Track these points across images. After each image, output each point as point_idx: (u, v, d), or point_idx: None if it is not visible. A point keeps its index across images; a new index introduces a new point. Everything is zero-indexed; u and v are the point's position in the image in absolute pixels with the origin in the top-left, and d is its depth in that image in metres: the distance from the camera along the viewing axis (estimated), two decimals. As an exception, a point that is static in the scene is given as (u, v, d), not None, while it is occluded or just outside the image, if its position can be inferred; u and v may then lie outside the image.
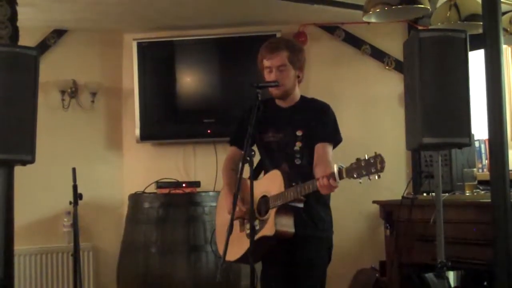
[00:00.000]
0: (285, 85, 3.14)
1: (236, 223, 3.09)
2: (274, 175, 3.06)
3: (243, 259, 3.05)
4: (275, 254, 3.08)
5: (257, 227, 3.02)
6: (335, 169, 2.73)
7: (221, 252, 3.13)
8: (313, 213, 3.10)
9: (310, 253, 3.09)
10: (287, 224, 2.96)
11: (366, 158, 2.66)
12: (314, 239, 3.11)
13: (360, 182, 2.68)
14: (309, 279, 3.09)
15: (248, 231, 3.03)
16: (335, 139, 3.15)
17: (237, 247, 3.02)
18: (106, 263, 5.29)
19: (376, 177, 2.62)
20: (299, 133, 3.14)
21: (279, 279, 3.15)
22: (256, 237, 2.97)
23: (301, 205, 2.96)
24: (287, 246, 3.04)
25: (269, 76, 3.14)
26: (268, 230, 2.97)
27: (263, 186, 3.09)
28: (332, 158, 3.07)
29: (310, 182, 2.84)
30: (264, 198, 3.07)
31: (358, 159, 2.69)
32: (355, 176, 2.67)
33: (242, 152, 2.95)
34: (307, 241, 3.08)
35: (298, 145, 3.14)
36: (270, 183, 3.05)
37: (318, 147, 3.10)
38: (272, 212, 2.98)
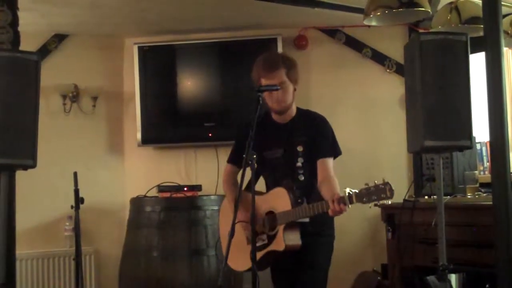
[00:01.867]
0: (285, 101, 3.18)
1: (244, 236, 3.15)
2: (279, 193, 3.11)
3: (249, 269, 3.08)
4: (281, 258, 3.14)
5: (265, 242, 3.11)
6: (346, 194, 2.81)
7: (230, 262, 3.16)
8: (317, 220, 3.12)
9: (313, 255, 3.15)
10: (295, 238, 3.06)
11: (375, 184, 2.78)
12: (317, 243, 3.17)
13: (370, 207, 2.81)
14: (311, 280, 3.14)
15: (257, 244, 3.07)
16: (335, 153, 3.22)
17: (247, 259, 3.04)
18: (108, 267, 5.30)
19: (386, 202, 2.77)
20: (300, 148, 3.18)
21: (285, 281, 3.23)
22: (266, 251, 3.09)
23: (307, 219, 3.04)
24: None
25: (269, 95, 3.15)
26: (278, 245, 3.05)
27: (268, 202, 3.15)
28: (334, 171, 3.15)
29: (320, 204, 2.92)
30: (271, 214, 3.12)
31: (367, 185, 2.79)
32: (364, 201, 2.78)
33: (239, 169, 3.02)
34: (310, 244, 3.12)
35: (300, 161, 3.18)
36: (276, 200, 3.11)
37: (320, 163, 3.15)
38: (280, 228, 3.05)
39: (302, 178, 3.17)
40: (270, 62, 3.20)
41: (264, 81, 3.16)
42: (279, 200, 3.08)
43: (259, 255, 3.08)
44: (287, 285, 3.25)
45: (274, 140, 3.24)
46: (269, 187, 3.29)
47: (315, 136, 3.18)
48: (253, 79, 3.25)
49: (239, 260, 3.08)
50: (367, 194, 2.77)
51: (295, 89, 3.22)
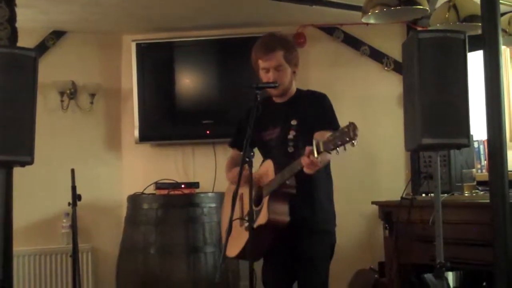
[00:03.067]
0: (283, 84, 3.17)
1: (237, 221, 3.11)
2: (266, 165, 3.11)
3: (242, 254, 3.05)
4: (277, 249, 3.10)
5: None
6: (313, 145, 2.74)
7: (228, 252, 3.14)
8: (315, 202, 3.12)
9: (312, 248, 3.10)
10: (281, 212, 2.98)
11: (340, 128, 2.67)
12: (316, 232, 3.13)
13: (337, 154, 2.67)
14: (311, 274, 3.11)
15: (246, 224, 3.04)
16: (334, 126, 3.13)
17: (237, 243, 3.03)
18: (105, 264, 5.29)
19: (351, 145, 2.61)
20: (293, 122, 3.17)
21: (282, 276, 3.18)
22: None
23: (293, 191, 2.98)
24: (289, 241, 3.06)
25: (266, 76, 3.16)
26: (261, 219, 2.98)
27: (258, 178, 3.11)
28: None
29: (296, 163, 2.86)
30: (259, 188, 3.08)
31: (333, 132, 2.69)
32: (331, 147, 2.66)
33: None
34: (309, 234, 3.09)
35: (292, 133, 3.16)
36: (263, 173, 3.09)
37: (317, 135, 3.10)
38: (265, 200, 3.00)
39: (291, 150, 3.14)
40: (267, 44, 3.20)
41: (261, 63, 3.17)
42: (266, 172, 3.06)
43: (247, 235, 3.04)
44: (284, 279, 3.22)
45: (272, 120, 3.23)
46: None
47: (313, 111, 3.16)
48: (252, 63, 3.26)
49: (231, 245, 2.96)
50: (332, 140, 2.65)
51: (294, 72, 3.22)
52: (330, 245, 3.20)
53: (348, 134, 2.59)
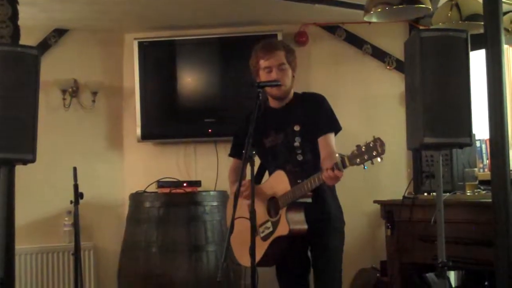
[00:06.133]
0: (286, 85, 3.16)
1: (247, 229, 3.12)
2: (278, 175, 3.08)
3: (261, 263, 3.06)
4: (289, 256, 3.14)
5: (270, 229, 3.05)
6: (338, 159, 2.75)
7: (238, 258, 3.19)
8: (325, 206, 3.14)
9: (325, 239, 3.14)
10: (299, 221, 3.00)
11: (366, 143, 2.69)
12: (328, 228, 3.16)
13: (365, 168, 2.70)
14: (327, 263, 3.16)
15: (262, 235, 3.06)
16: (335, 128, 3.18)
17: (257, 252, 3.02)
18: (107, 263, 5.30)
19: (379, 159, 2.65)
20: (296, 128, 3.16)
21: (297, 267, 3.22)
22: (272, 238, 3.03)
23: (309, 200, 2.99)
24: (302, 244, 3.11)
25: (268, 76, 3.14)
26: (282, 230, 2.99)
27: (269, 188, 3.12)
28: (335, 147, 3.12)
29: (316, 176, 2.87)
30: (273, 199, 3.08)
31: (358, 146, 2.72)
32: (357, 162, 2.70)
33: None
34: (322, 230, 3.12)
35: (297, 140, 3.16)
36: (276, 184, 3.08)
37: (321, 141, 3.12)
38: (282, 211, 3.00)
39: (300, 158, 3.15)
40: (269, 44, 3.23)
41: (262, 63, 3.15)
42: (279, 183, 3.05)
43: (266, 244, 3.05)
44: (293, 283, 3.24)
45: (273, 126, 3.23)
46: (271, 174, 3.26)
47: (313, 114, 3.16)
48: (251, 66, 3.25)
49: (244, 254, 2.97)
50: (359, 155, 2.69)
51: (293, 77, 3.22)
52: (341, 239, 3.25)
53: (376, 149, 2.64)
